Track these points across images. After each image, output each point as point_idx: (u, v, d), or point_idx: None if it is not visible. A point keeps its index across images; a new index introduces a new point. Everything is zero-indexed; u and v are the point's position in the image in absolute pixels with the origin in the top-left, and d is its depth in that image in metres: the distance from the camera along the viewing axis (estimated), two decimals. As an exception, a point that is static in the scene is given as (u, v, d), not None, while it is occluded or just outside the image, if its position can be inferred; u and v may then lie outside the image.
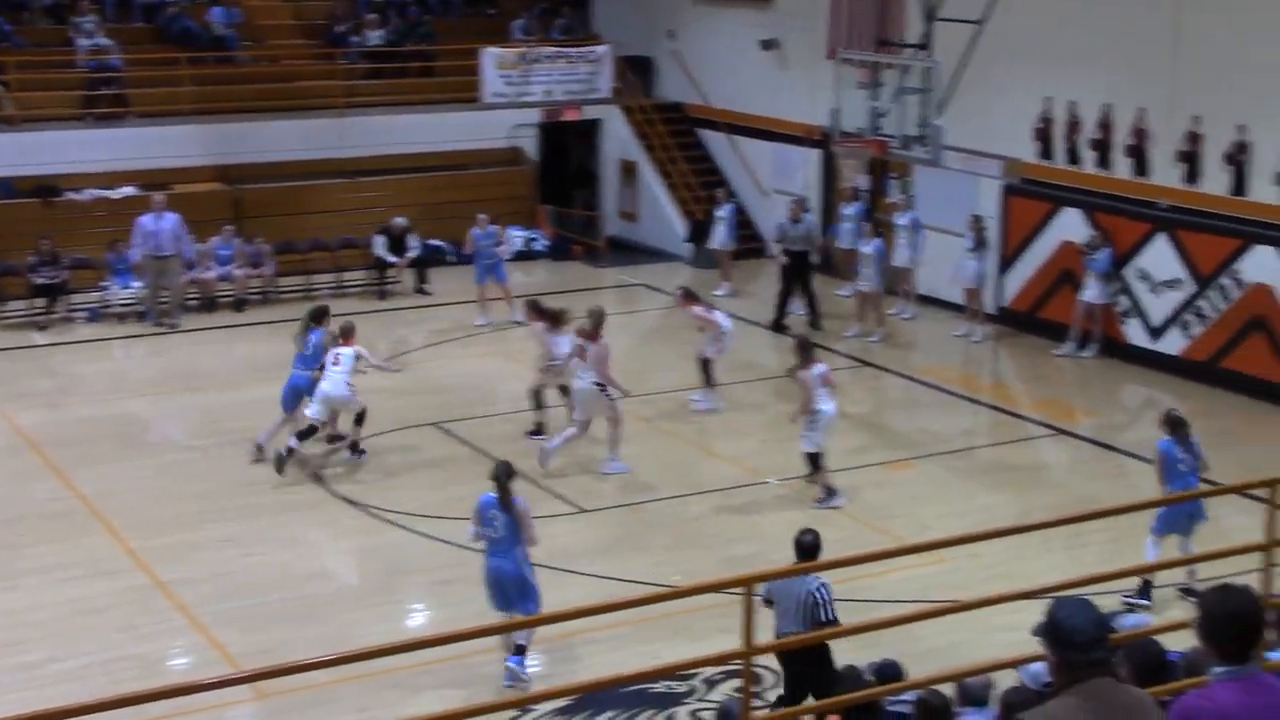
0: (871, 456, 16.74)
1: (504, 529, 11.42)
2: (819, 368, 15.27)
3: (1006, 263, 21.87)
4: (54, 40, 25.27)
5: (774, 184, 26.07)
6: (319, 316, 16.75)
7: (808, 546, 10.36)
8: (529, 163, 27.29)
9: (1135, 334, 20.24)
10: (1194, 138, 19.21)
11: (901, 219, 22.26)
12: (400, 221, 23.87)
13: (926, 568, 12.96)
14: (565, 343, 16.58)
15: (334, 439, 16.66)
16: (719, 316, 18.20)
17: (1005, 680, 8.34)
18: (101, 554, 14.00)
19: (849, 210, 23.48)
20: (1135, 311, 20.19)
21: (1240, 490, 9.32)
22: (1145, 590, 12.66)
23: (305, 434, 15.94)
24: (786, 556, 11.78)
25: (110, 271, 22.47)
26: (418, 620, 13.31)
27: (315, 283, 23.70)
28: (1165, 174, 19.67)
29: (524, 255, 25.74)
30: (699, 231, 25.60)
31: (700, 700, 11.14)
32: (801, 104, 24.64)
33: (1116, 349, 20.33)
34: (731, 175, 26.95)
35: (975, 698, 8.27)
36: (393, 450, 16.73)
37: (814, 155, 25.20)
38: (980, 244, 21.16)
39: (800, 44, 24.75)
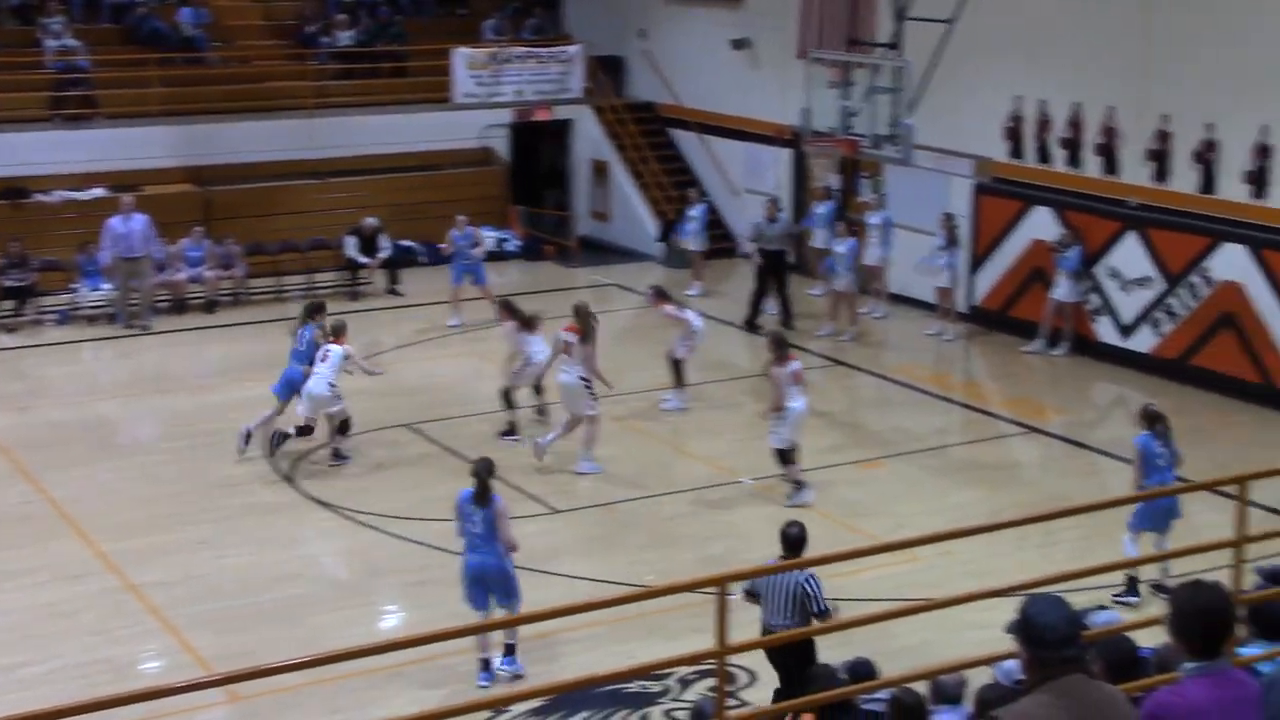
0: (845, 455, 16.78)
1: (483, 525, 11.48)
2: (793, 365, 15.32)
3: (977, 262, 21.94)
4: (21, 41, 25.10)
5: (745, 183, 26.10)
6: (314, 312, 16.86)
7: (794, 539, 10.41)
8: (500, 163, 27.26)
9: (1106, 332, 20.33)
10: (1163, 136, 19.31)
11: (873, 218, 22.31)
12: (371, 222, 23.82)
13: (900, 566, 12.99)
14: (537, 342, 16.73)
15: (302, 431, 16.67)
16: (690, 315, 18.25)
17: (979, 678, 8.37)
18: (72, 557, 13.92)
19: (821, 209, 23.54)
20: (1106, 309, 20.28)
21: (1211, 487, 9.37)
22: (1132, 587, 12.68)
23: (302, 431, 16.09)
24: (760, 555, 11.81)
25: (80, 273, 22.35)
26: (391, 621, 13.28)
27: (286, 284, 23.63)
28: (1135, 172, 19.76)
29: (496, 256, 25.64)
30: (671, 230, 25.61)
31: (674, 700, 11.15)
32: (773, 103, 24.67)
33: (1087, 347, 20.42)
34: (703, 175, 26.96)
35: (949, 696, 8.30)
36: (365, 452, 16.68)
37: (785, 155, 25.23)
38: (952, 242, 21.22)
39: (771, 43, 24.78)
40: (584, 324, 16.18)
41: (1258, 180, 18.31)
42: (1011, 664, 7.59)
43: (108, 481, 15.96)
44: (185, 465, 16.39)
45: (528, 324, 16.93)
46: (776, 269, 21.99)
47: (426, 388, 19.09)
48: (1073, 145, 20.55)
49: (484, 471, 11.60)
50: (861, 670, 8.59)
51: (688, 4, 27.05)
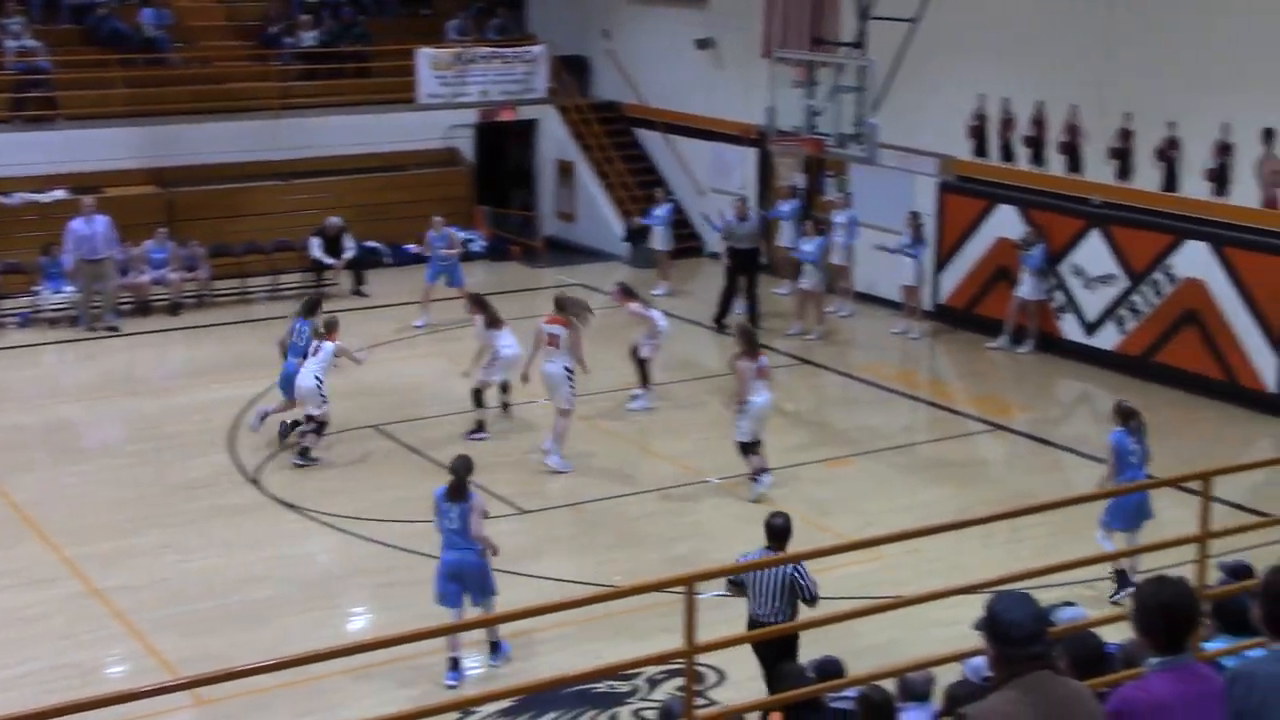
0: (812, 454, 16.81)
1: (459, 521, 11.55)
2: (763, 360, 15.41)
3: (942, 260, 22.02)
4: (-19, 42, 24.96)
5: (711, 183, 26.13)
6: (311, 308, 17.14)
7: (779, 529, 10.48)
8: (465, 163, 27.21)
9: (1070, 329, 20.43)
10: (1125, 134, 19.42)
11: (839, 217, 22.36)
12: (335, 221, 23.74)
13: (867, 564, 13.02)
14: (505, 336, 17.05)
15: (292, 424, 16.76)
16: (655, 314, 18.29)
17: (947, 675, 8.40)
18: (36, 562, 13.83)
19: (786, 208, 23.58)
20: (1070, 307, 20.39)
21: (1175, 483, 9.42)
22: (1124, 581, 12.57)
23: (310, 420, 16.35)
24: (727, 554, 11.84)
25: (42, 276, 22.20)
26: (359, 623, 13.24)
27: (251, 286, 23.53)
28: (1098, 170, 19.87)
29: (462, 256, 25.59)
30: (636, 230, 25.62)
31: (643, 700, 11.15)
32: (737, 103, 24.70)
33: (1052, 344, 20.52)
34: (669, 174, 26.98)
35: (917, 693, 8.33)
36: (333, 453, 16.63)
37: (751, 154, 25.27)
38: (918, 240, 21.29)
39: (735, 43, 24.81)
40: (574, 312, 16.40)
41: (1219, 178, 18.44)
42: (980, 661, 7.61)
43: (71, 485, 15.87)
44: (150, 468, 16.32)
45: (496, 320, 17.13)
46: (747, 268, 22.02)
47: (394, 388, 19.04)
48: (1036, 144, 20.65)
49: (461, 469, 11.72)
50: (829, 669, 8.61)
51: (651, 3, 27.05)
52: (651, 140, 27.50)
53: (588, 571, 13.61)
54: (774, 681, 9.48)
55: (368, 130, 25.79)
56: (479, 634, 11.86)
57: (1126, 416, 12.98)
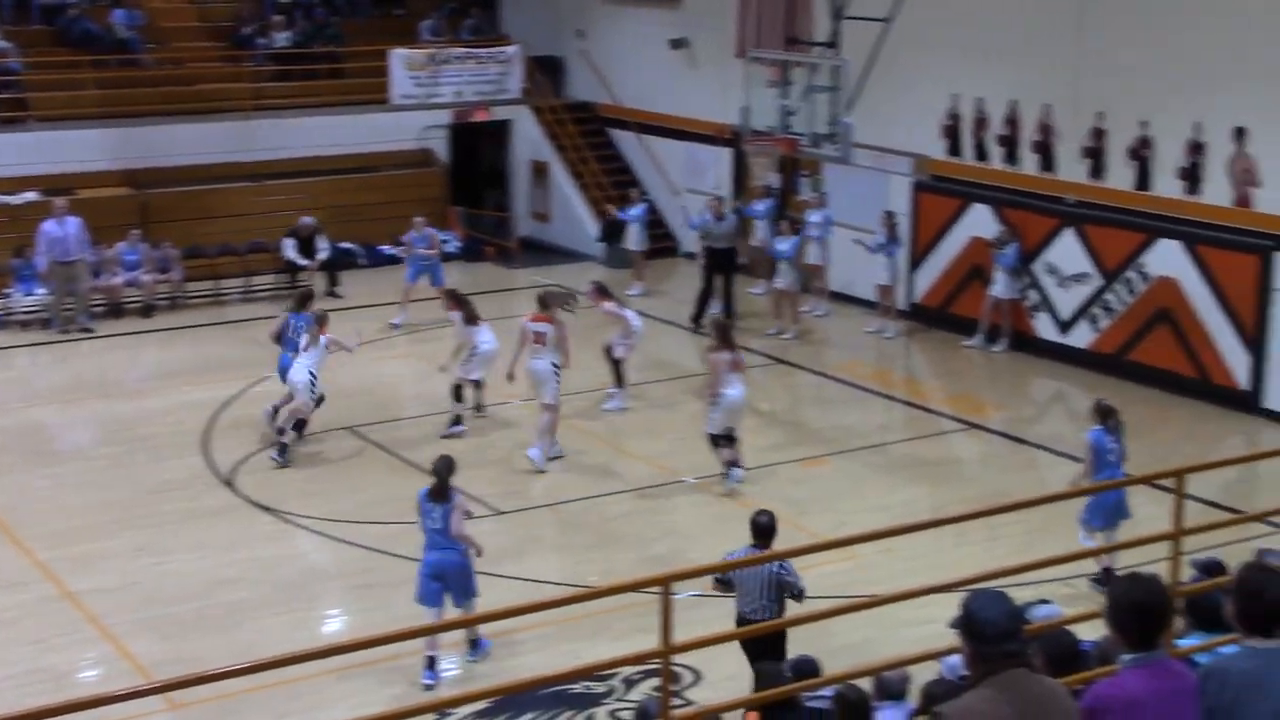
0: (787, 453, 16.83)
1: (442, 521, 11.59)
2: (739, 354, 15.46)
3: (917, 259, 22.06)
4: (-49, 44, 24.82)
5: (685, 183, 26.13)
6: (303, 302, 17.22)
7: (764, 527, 10.54)
8: (439, 164, 27.17)
9: (1044, 328, 20.49)
10: (1098, 133, 19.49)
11: (814, 216, 22.37)
12: (308, 221, 23.66)
13: (843, 563, 13.02)
14: (483, 332, 17.15)
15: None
16: (629, 314, 18.31)
17: (923, 674, 8.41)
18: (9, 565, 13.76)
19: (760, 208, 23.60)
20: (1044, 306, 20.45)
21: (1148, 480, 9.45)
22: (1111, 579, 12.58)
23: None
24: (703, 554, 11.85)
25: (14, 278, 22.08)
26: (334, 625, 13.20)
27: (224, 288, 23.45)
28: (1071, 169, 19.93)
29: (440, 257, 25.59)
30: (611, 230, 25.60)
31: (619, 700, 11.15)
32: (711, 103, 24.71)
33: (1026, 343, 20.58)
34: (643, 175, 26.97)
35: (893, 692, 8.34)
36: (307, 454, 16.58)
37: (725, 154, 25.29)
38: (892, 240, 21.32)
39: (709, 43, 24.81)
40: (558, 305, 16.57)
41: (1191, 176, 18.51)
42: (956, 659, 7.63)
43: (44, 488, 15.78)
44: (123, 471, 16.25)
45: (473, 316, 17.22)
46: (724, 267, 22.04)
47: (369, 389, 18.98)
48: (1010, 143, 20.71)
49: (442, 469, 11.75)
50: (805, 668, 8.62)
51: (625, 4, 27.05)
52: (626, 140, 27.49)
53: (564, 572, 13.60)
54: (754, 680, 9.51)
55: (341, 131, 25.72)
56: (457, 635, 11.85)
57: (1105, 415, 13.02)
